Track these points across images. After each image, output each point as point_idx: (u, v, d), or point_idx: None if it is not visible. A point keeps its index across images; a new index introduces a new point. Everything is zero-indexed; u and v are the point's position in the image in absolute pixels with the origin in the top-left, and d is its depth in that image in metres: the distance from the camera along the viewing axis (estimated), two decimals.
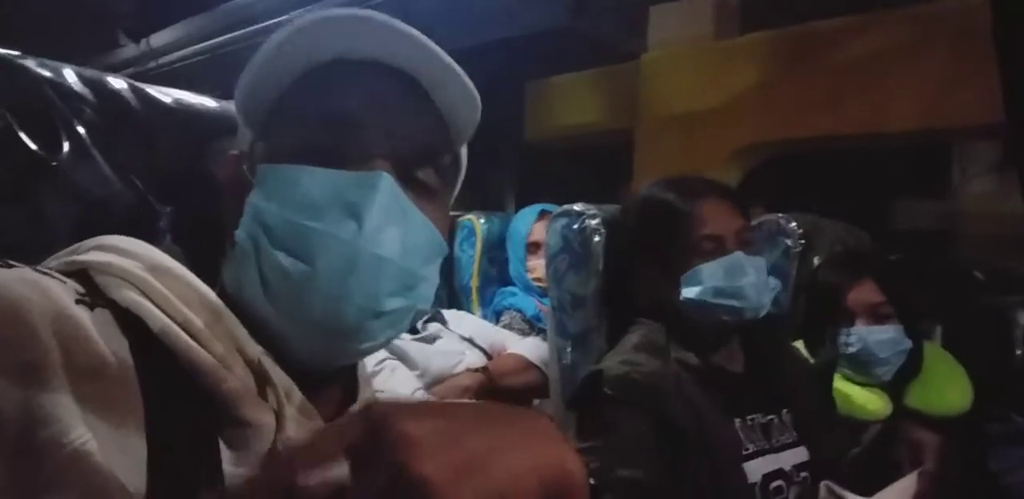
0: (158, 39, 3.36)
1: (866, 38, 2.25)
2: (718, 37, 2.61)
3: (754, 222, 1.63)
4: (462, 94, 0.59)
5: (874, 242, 1.83)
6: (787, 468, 1.10)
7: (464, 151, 0.67)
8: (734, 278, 1.10)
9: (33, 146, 0.68)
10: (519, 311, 2.05)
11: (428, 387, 1.44)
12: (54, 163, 0.68)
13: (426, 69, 0.57)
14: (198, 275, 0.55)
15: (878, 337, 1.38)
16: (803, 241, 1.58)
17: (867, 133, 2.31)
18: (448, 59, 0.56)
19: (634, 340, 1.15)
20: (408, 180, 0.57)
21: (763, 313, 1.14)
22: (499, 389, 1.54)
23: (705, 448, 1.03)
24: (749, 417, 1.11)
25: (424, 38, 0.56)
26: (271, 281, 0.53)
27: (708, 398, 1.08)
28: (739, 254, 1.11)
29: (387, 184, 0.53)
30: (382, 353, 1.40)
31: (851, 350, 1.39)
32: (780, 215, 1.63)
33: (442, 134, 0.61)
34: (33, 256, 0.53)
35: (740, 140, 2.52)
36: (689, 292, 1.12)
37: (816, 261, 1.56)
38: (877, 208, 3.17)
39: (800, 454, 1.13)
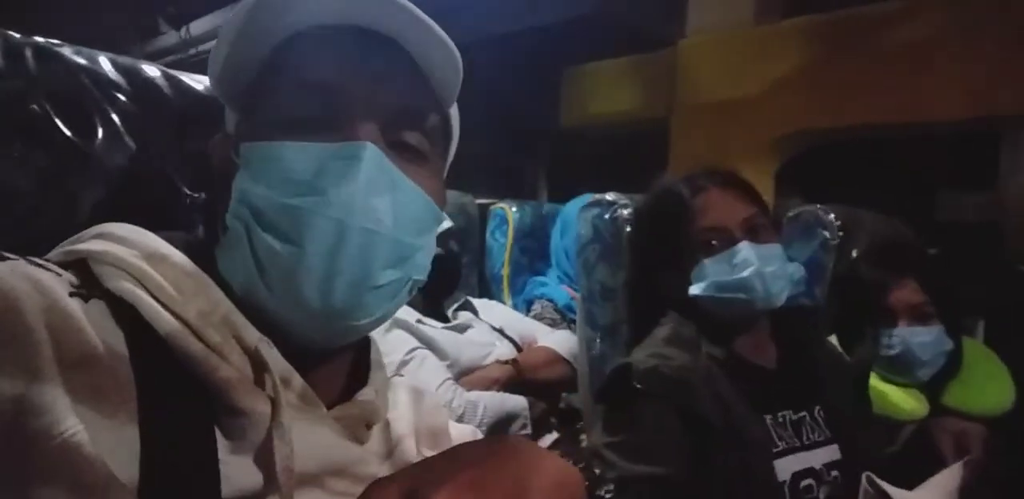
0: (198, 27, 3.40)
1: (911, 24, 2.19)
2: (758, 22, 2.56)
3: (791, 213, 1.60)
4: (443, 55, 0.57)
5: (916, 236, 1.78)
6: (818, 467, 1.07)
7: (455, 114, 0.65)
8: (737, 270, 1.08)
9: (68, 133, 0.68)
10: (551, 300, 2.04)
11: (458, 377, 1.44)
12: (88, 150, 0.69)
13: (405, 31, 0.56)
14: (212, 262, 0.55)
15: (921, 339, 1.35)
16: (841, 233, 1.54)
17: (912, 121, 2.25)
18: (427, 19, 0.54)
19: (664, 333, 1.14)
20: (396, 145, 0.56)
21: (779, 302, 1.11)
22: (527, 382, 1.54)
23: (735, 444, 1.02)
24: (780, 414, 1.09)
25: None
26: (264, 264, 0.52)
27: (738, 393, 1.06)
28: (743, 244, 1.08)
29: (371, 153, 0.52)
30: (413, 342, 1.40)
31: (892, 352, 1.36)
32: (818, 206, 1.59)
33: (427, 95, 0.59)
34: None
35: (779, 129, 2.48)
36: (696, 288, 1.11)
37: (855, 254, 1.53)
38: (921, 199, 3.09)
39: (832, 453, 1.10)
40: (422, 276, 0.59)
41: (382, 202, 0.53)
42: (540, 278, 2.16)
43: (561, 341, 1.69)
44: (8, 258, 0.47)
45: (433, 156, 0.60)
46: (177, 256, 0.53)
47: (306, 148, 0.52)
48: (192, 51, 3.41)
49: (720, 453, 1.01)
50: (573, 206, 2.14)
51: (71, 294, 0.47)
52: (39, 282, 0.45)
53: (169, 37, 3.61)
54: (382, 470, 0.60)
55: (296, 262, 0.51)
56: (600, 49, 3.17)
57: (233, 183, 0.55)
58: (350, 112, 0.54)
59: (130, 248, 0.52)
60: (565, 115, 3.32)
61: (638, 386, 1.04)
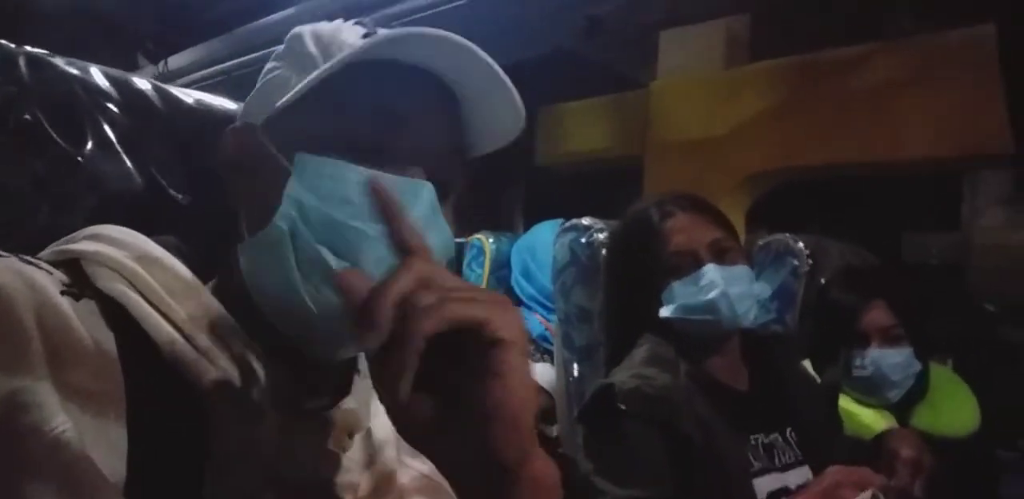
0: (176, 61, 3.42)
1: (876, 67, 2.27)
2: (728, 65, 2.64)
3: (761, 242, 1.63)
4: (509, 106, 0.58)
5: (882, 262, 1.83)
6: (792, 487, 1.08)
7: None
8: (703, 292, 1.10)
9: (60, 141, 0.69)
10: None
11: None
12: (79, 158, 0.70)
13: (473, 79, 0.56)
14: (203, 267, 0.55)
15: (892, 360, 1.38)
16: (810, 261, 1.58)
17: (877, 162, 2.32)
18: (499, 70, 0.55)
19: (642, 354, 1.15)
20: (438, 184, 0.56)
21: (746, 322, 1.14)
22: None
23: (715, 463, 1.02)
24: (753, 436, 1.10)
25: (475, 48, 0.54)
26: (308, 274, 0.52)
27: (718, 413, 1.08)
28: (708, 266, 1.11)
29: (430, 194, 0.54)
30: None
31: (864, 373, 1.38)
32: (788, 235, 1.63)
33: (464, 147, 0.61)
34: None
35: (748, 168, 2.53)
36: (666, 310, 1.13)
37: (823, 280, 1.57)
38: (887, 239, 3.17)
39: (804, 474, 1.11)
40: None
41: (426, 238, 0.53)
42: None
43: (540, 373, 1.69)
44: (1, 255, 0.48)
45: (453, 195, 0.61)
46: (169, 259, 0.54)
47: (373, 175, 0.52)
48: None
49: (701, 473, 1.01)
50: (540, 230, 2.16)
51: (62, 293, 0.47)
52: (31, 279, 0.45)
53: (146, 72, 3.63)
54: (363, 478, 0.60)
55: None
56: (574, 89, 3.24)
57: (285, 190, 0.53)
58: (409, 148, 0.55)
59: (123, 250, 0.52)
60: (540, 153, 3.37)
61: (622, 407, 1.04)
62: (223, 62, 3.15)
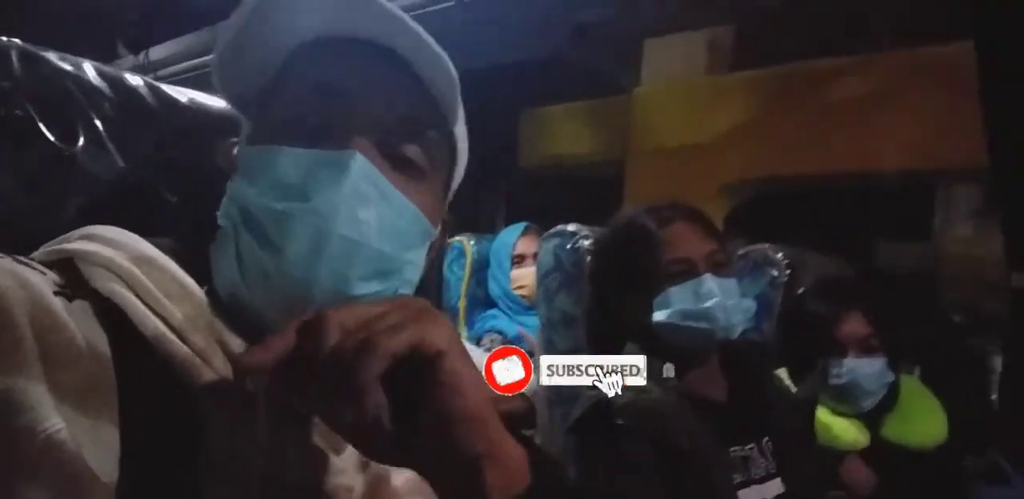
0: (157, 52, 3.37)
1: (855, 79, 2.31)
2: (710, 73, 2.66)
3: (741, 252, 1.65)
4: (441, 70, 0.56)
5: (858, 274, 1.85)
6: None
7: (462, 135, 0.65)
8: (701, 300, 1.10)
9: (51, 137, 0.68)
10: (500, 333, 2.05)
11: None
12: (70, 154, 0.69)
13: (404, 44, 0.56)
14: (196, 268, 0.55)
15: (867, 370, 1.40)
16: (789, 271, 1.60)
17: (853, 172, 2.36)
18: (425, 34, 0.54)
19: None
20: (392, 157, 0.56)
21: (735, 334, 1.14)
22: None
23: (704, 477, 1.03)
24: (732, 449, 1.11)
25: (398, 12, 0.54)
26: (246, 265, 0.53)
27: (702, 425, 1.08)
28: (707, 276, 1.11)
29: (359, 164, 0.53)
30: None
31: (839, 381, 1.41)
32: (767, 245, 1.65)
33: (428, 109, 0.59)
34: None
35: (727, 175, 2.56)
36: (659, 315, 1.13)
37: (801, 290, 1.59)
38: (860, 248, 3.21)
39: (777, 486, 1.12)
40: (409, 291, 0.60)
41: (367, 213, 0.53)
42: (491, 311, 2.16)
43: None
44: None
45: (432, 172, 0.60)
46: (163, 260, 0.53)
47: (296, 154, 0.53)
48: (151, 76, 3.38)
49: (691, 487, 1.02)
50: (505, 235, 2.19)
51: (55, 293, 0.47)
52: (24, 280, 0.45)
53: (126, 61, 3.58)
54: (357, 481, 0.59)
55: (274, 266, 0.52)
56: (559, 93, 3.25)
57: (228, 183, 0.56)
58: (346, 121, 0.55)
59: (118, 250, 0.52)
60: (523, 156, 3.37)
61: (620, 422, 1.03)
62: (205, 55, 3.12)
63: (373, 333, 0.43)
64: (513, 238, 2.17)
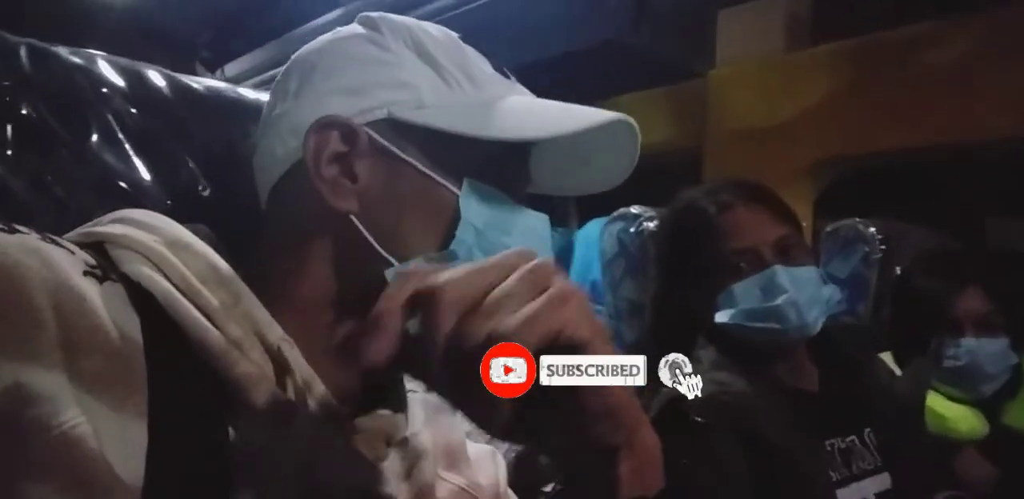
0: (232, 69, 3.48)
1: (946, 44, 2.13)
2: (789, 49, 2.53)
3: (829, 228, 1.53)
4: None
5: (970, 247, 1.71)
6: (871, 497, 0.99)
7: None
8: (769, 297, 0.99)
9: (63, 132, 0.66)
10: None
11: None
12: (82, 151, 0.67)
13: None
14: (234, 259, 0.52)
15: (989, 350, 1.27)
16: (883, 247, 1.47)
17: (952, 144, 2.18)
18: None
19: (709, 356, 1.04)
20: None
21: (813, 331, 1.03)
22: None
23: (799, 473, 0.94)
24: (828, 442, 1.01)
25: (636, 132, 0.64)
26: None
27: (792, 418, 0.98)
28: (776, 268, 1.00)
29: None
30: None
31: (957, 364, 1.28)
32: (857, 220, 1.53)
33: None
34: None
35: (814, 155, 2.41)
36: (723, 316, 1.02)
37: (898, 270, 1.46)
38: (968, 226, 2.99)
39: (883, 481, 1.01)
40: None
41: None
42: None
43: None
44: (19, 231, 0.43)
45: None
46: (200, 245, 0.50)
47: (523, 212, 0.59)
48: None
49: (784, 483, 0.93)
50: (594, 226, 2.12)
51: (85, 273, 0.43)
52: (48, 258, 0.41)
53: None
54: (400, 491, 0.56)
55: None
56: (629, 81, 3.17)
57: (462, 214, 0.54)
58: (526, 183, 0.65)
59: (152, 234, 0.49)
60: None
61: (698, 419, 0.94)
62: (279, 66, 3.19)
63: (502, 325, 0.38)
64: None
